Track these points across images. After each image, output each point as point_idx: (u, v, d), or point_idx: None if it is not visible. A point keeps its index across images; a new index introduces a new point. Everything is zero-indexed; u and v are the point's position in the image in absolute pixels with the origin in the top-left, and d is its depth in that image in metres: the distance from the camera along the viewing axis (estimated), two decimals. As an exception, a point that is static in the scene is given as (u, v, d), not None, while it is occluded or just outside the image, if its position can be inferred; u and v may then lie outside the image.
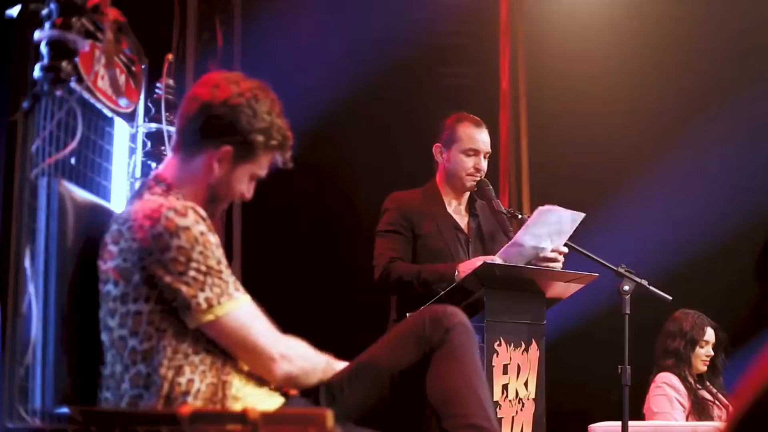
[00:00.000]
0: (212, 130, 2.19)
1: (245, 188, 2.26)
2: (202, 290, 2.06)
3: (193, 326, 2.07)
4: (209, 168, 2.20)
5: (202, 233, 2.07)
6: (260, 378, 2.20)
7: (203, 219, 2.11)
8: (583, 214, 3.53)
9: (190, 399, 2.05)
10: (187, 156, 2.23)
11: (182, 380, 2.06)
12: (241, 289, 2.13)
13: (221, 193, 2.24)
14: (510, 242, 3.51)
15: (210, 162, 2.20)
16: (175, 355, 2.07)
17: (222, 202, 2.27)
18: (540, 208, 3.47)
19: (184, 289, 2.05)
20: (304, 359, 2.23)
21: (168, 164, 2.25)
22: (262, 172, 2.26)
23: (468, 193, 3.89)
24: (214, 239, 2.11)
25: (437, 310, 2.39)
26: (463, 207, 3.90)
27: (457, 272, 3.52)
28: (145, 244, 2.05)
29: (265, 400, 2.17)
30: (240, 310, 2.11)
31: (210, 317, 2.07)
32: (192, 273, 2.05)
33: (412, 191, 3.91)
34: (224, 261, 2.12)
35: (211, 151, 2.19)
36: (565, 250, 3.60)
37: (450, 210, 3.87)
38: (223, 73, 2.26)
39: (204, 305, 2.06)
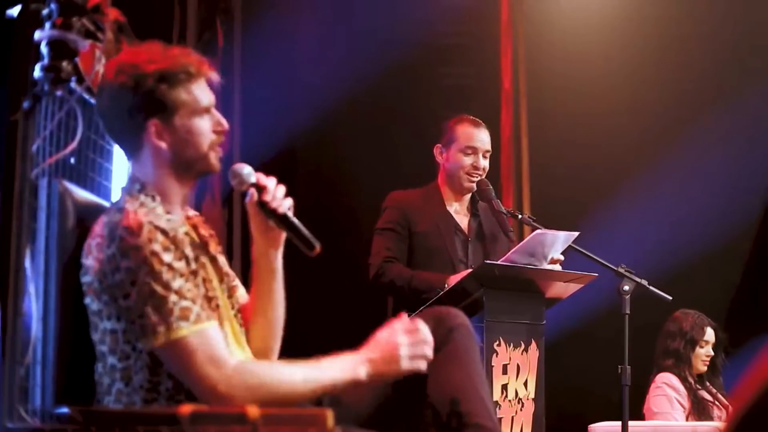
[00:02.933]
0: (124, 123, 2.12)
1: (206, 128, 2.14)
2: (141, 316, 1.98)
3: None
4: (157, 149, 2.11)
5: (153, 253, 1.99)
6: None
7: (164, 233, 2.03)
8: (576, 234, 3.54)
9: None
10: (134, 155, 2.16)
11: (163, 399, 2.04)
12: (192, 318, 1.99)
13: (190, 155, 2.13)
14: (503, 258, 3.52)
15: (153, 144, 2.11)
16: (156, 371, 2.03)
17: (199, 159, 2.14)
18: (536, 232, 3.49)
19: (125, 313, 1.99)
20: (267, 386, 2.01)
21: (131, 169, 2.20)
22: (204, 101, 2.13)
23: (470, 194, 3.90)
24: (169, 257, 2.01)
25: (440, 311, 2.38)
26: (464, 208, 3.91)
27: (446, 285, 3.52)
28: (101, 264, 2.01)
29: None
30: (181, 342, 1.97)
31: (149, 344, 1.99)
32: (134, 297, 1.98)
33: (413, 191, 3.93)
34: (177, 282, 2.00)
35: (144, 136, 2.11)
36: (561, 257, 3.60)
37: (451, 210, 3.88)
38: (101, 75, 2.18)
39: (140, 332, 1.99)
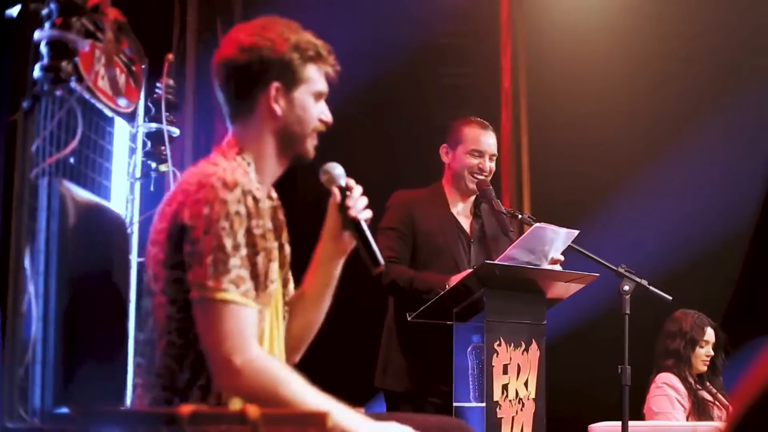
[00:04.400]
0: (249, 79, 2.14)
1: (317, 112, 2.20)
2: (199, 264, 1.96)
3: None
4: (271, 112, 2.15)
5: (237, 213, 1.99)
6: None
7: (254, 200, 2.03)
8: (576, 232, 3.54)
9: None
10: (244, 118, 2.17)
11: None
12: (243, 289, 1.98)
13: (296, 131, 2.18)
14: (502, 255, 3.52)
15: (269, 106, 2.14)
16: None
17: (302, 140, 2.19)
18: (536, 225, 3.48)
19: (187, 257, 1.99)
20: (275, 390, 1.95)
21: (232, 134, 2.20)
22: (321, 86, 2.20)
23: (474, 196, 3.90)
24: (249, 223, 2.00)
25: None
26: (468, 209, 3.92)
27: (447, 286, 3.52)
28: (183, 208, 2.00)
29: None
30: (220, 305, 1.95)
31: (194, 292, 1.97)
32: (201, 245, 1.97)
33: (418, 190, 3.94)
34: (245, 251, 1.98)
35: (262, 97, 2.14)
36: (561, 258, 3.60)
37: (454, 211, 3.88)
38: (228, 35, 2.22)
39: (190, 279, 1.98)
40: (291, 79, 2.15)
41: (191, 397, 2.01)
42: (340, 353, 4.77)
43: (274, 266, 2.12)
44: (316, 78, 2.19)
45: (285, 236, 2.26)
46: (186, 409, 1.79)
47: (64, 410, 2.03)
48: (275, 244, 2.15)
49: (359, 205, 2.27)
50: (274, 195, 2.28)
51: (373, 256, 2.23)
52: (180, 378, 2.02)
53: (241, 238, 1.99)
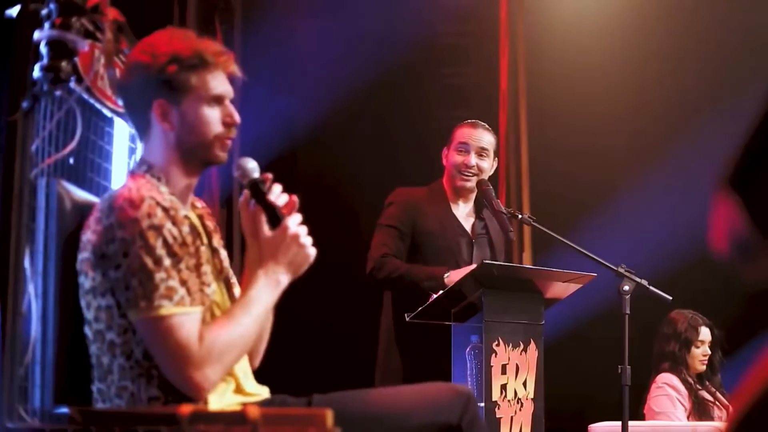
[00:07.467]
0: (136, 99, 2.15)
1: (214, 117, 2.14)
2: (127, 288, 1.98)
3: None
4: (162, 131, 2.13)
5: (150, 227, 1.99)
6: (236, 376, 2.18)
7: (164, 210, 2.03)
8: None
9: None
10: (145, 136, 2.18)
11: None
12: (176, 299, 1.99)
13: (193, 141, 2.14)
14: None
15: (159, 124, 2.13)
16: None
17: (204, 147, 2.15)
18: None
19: (114, 284, 2.00)
20: (229, 352, 2.03)
21: (141, 151, 2.22)
22: (217, 90, 2.14)
23: (474, 197, 3.89)
24: (165, 234, 2.01)
25: (453, 385, 2.31)
26: (469, 210, 3.91)
27: (447, 275, 3.53)
28: (99, 236, 2.02)
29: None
30: (158, 321, 1.98)
31: (131, 316, 1.99)
32: (123, 269, 1.98)
33: (418, 189, 3.93)
34: (168, 261, 2.00)
35: (151, 115, 2.13)
36: None
37: (455, 212, 3.88)
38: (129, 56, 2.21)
39: (125, 304, 1.99)
40: (175, 92, 2.11)
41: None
42: (339, 353, 4.77)
43: (206, 269, 2.12)
44: (205, 84, 2.12)
45: (217, 241, 2.25)
46: (186, 409, 1.79)
47: (64, 410, 2.03)
48: (202, 248, 2.14)
49: (284, 197, 2.22)
50: (199, 204, 2.28)
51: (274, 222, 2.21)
52: (140, 396, 2.02)
53: (160, 250, 1.99)
